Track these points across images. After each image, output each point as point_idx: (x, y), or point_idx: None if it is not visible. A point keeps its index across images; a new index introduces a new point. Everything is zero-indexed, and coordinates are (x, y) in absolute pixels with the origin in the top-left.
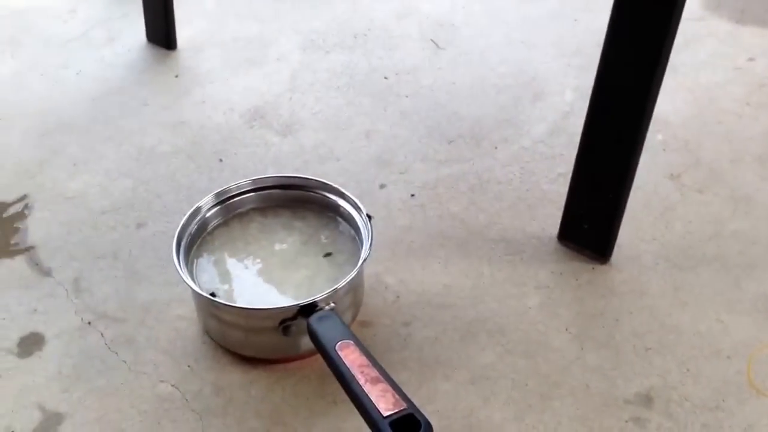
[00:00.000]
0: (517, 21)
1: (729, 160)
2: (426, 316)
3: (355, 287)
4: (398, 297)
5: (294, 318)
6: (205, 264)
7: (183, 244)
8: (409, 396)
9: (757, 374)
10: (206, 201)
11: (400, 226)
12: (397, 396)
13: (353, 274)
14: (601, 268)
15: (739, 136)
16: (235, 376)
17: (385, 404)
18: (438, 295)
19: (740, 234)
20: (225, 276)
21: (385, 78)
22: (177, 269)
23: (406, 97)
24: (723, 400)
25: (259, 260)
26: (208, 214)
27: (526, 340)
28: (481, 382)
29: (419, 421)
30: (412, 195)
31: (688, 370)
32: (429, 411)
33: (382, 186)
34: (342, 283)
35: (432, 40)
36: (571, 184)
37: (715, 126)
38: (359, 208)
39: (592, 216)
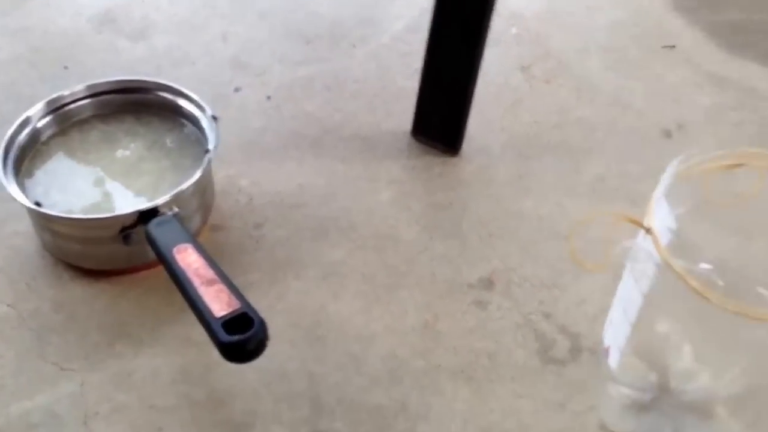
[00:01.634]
0: None
1: (576, 51)
2: (279, 216)
3: (202, 190)
4: (251, 199)
5: (134, 226)
6: (41, 176)
7: (11, 155)
8: (260, 297)
9: (579, 249)
10: (36, 110)
11: (254, 128)
12: (232, 296)
13: (196, 176)
14: (452, 161)
15: (587, 28)
16: (77, 290)
17: (219, 305)
18: (291, 195)
19: (583, 121)
20: (62, 187)
21: None
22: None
23: None
24: (559, 278)
25: (99, 168)
26: (39, 124)
27: (376, 234)
28: (331, 278)
29: (252, 319)
30: (268, 97)
31: (528, 252)
32: (279, 309)
33: (237, 89)
34: (183, 186)
35: None
36: (421, 79)
37: (565, 18)
38: (203, 108)
39: (442, 110)
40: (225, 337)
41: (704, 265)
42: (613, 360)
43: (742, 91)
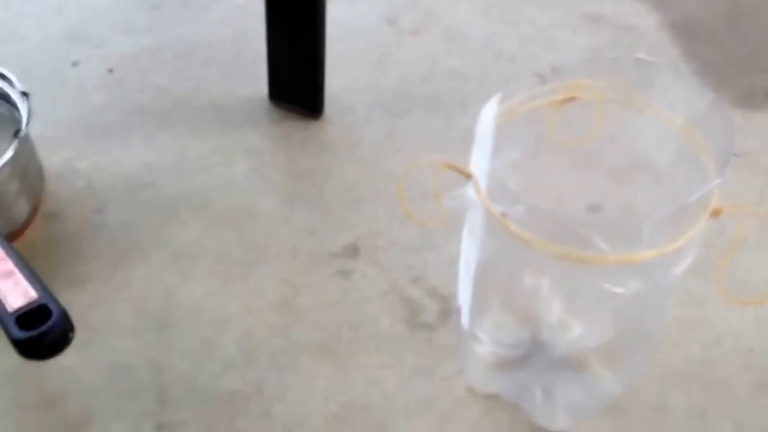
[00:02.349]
0: None
1: None
2: (123, 198)
3: (22, 174)
4: (91, 182)
5: None
6: None
7: None
8: (100, 286)
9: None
10: None
11: (95, 105)
12: (30, 288)
13: (5, 158)
14: (314, 124)
15: None
16: None
17: (15, 298)
18: (137, 175)
19: (454, 72)
20: None
21: None
22: None
23: None
24: (428, 239)
25: None
26: None
27: (232, 209)
28: (181, 260)
29: (51, 310)
30: (110, 70)
31: (396, 215)
32: (123, 298)
33: (74, 63)
34: None
35: None
36: (267, 37)
37: None
38: (13, 83)
39: (296, 71)
40: (17, 333)
41: (520, 208)
42: (465, 319)
43: (618, 30)
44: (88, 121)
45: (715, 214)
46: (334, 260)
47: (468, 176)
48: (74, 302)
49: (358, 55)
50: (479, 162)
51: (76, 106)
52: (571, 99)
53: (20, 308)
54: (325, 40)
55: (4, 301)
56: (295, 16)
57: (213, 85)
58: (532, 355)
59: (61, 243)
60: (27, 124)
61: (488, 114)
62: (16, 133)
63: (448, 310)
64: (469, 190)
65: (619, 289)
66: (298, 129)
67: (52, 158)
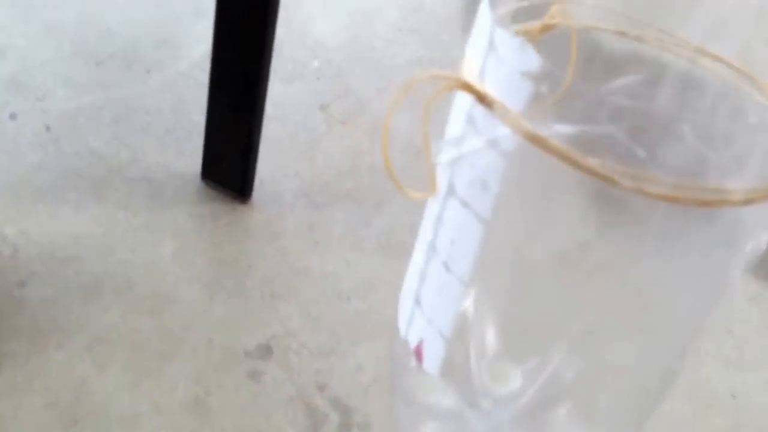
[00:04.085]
0: None
1: (376, 89)
2: (47, 272)
3: None
4: (16, 251)
5: None
6: None
7: None
8: (16, 371)
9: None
10: None
11: (29, 164)
12: None
13: None
14: (241, 209)
15: (388, 64)
16: None
17: None
18: (64, 247)
19: (375, 167)
20: None
21: None
22: None
23: (54, 7)
24: (338, 344)
25: None
26: None
27: (154, 294)
28: (99, 347)
29: None
30: (48, 127)
31: (309, 315)
32: (36, 387)
33: (12, 116)
34: None
35: None
36: (207, 116)
37: (368, 52)
38: None
39: (229, 154)
40: None
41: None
42: (433, 361)
43: None
44: (20, 181)
45: None
46: (247, 359)
47: (483, 98)
48: None
49: (289, 139)
50: (492, 72)
51: (9, 164)
52: (548, 27)
53: None
54: (262, 124)
55: None
56: (237, 95)
57: (148, 155)
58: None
59: None
60: None
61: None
62: None
63: (348, 424)
64: (479, 123)
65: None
66: (225, 212)
67: None
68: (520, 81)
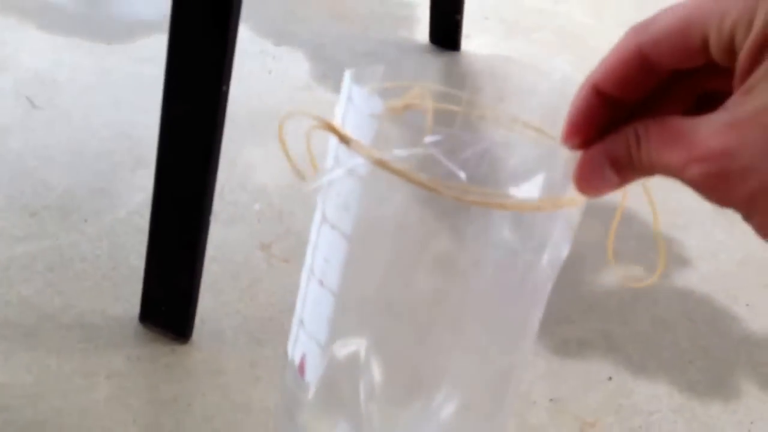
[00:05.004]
0: (128, 81)
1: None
2: None
3: None
4: None
5: None
6: None
7: None
8: None
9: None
10: None
11: None
12: None
13: None
14: (181, 349)
15: None
16: None
17: None
18: None
19: None
20: None
21: None
22: None
23: None
24: None
25: None
26: None
27: None
28: None
29: None
30: None
31: None
32: None
33: None
34: None
35: (27, 98)
36: (145, 265)
37: (307, 195)
38: None
39: (169, 296)
40: None
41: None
42: (313, 371)
43: None
44: None
45: None
46: None
47: (343, 139)
48: None
49: (229, 278)
50: (351, 121)
51: None
52: (409, 106)
53: None
54: (203, 267)
55: None
56: (177, 240)
57: (83, 302)
58: None
59: None
60: None
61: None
62: None
63: None
64: (342, 155)
65: None
66: (164, 353)
67: None
68: (369, 121)
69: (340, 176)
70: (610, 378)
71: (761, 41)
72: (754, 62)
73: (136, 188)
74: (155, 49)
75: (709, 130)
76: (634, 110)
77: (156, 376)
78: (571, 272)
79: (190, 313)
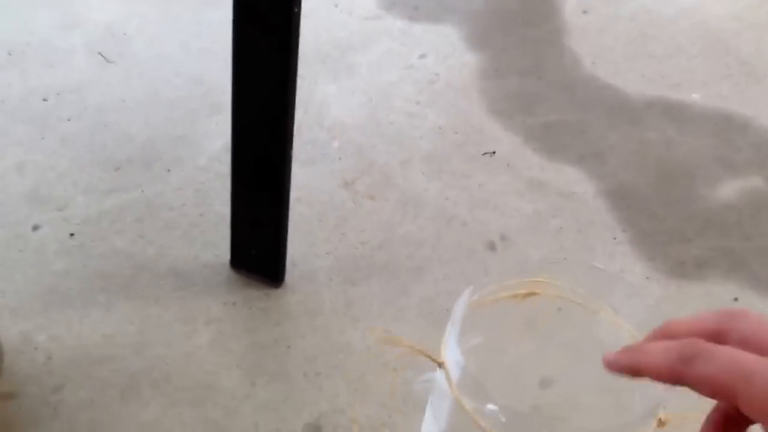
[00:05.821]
0: (195, 27)
1: (399, 162)
2: (82, 375)
3: None
4: (50, 357)
5: None
6: None
7: None
8: None
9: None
10: None
11: (55, 272)
12: None
13: None
14: (275, 293)
15: (409, 136)
16: None
17: None
18: (97, 348)
19: (409, 237)
20: None
21: (44, 100)
22: None
23: (68, 120)
24: (389, 416)
25: None
26: None
27: (194, 385)
28: None
29: None
30: (72, 234)
31: (356, 389)
32: None
33: (35, 227)
34: None
35: (100, 53)
36: (231, 208)
37: (387, 127)
38: None
39: (258, 240)
40: None
41: (491, 406)
42: None
43: (560, 196)
44: (47, 289)
45: (662, 425)
46: None
47: (440, 364)
48: None
49: (316, 219)
50: (452, 352)
51: (36, 274)
52: (531, 294)
53: None
54: (289, 207)
55: None
56: (260, 183)
57: (174, 250)
58: None
59: (17, 426)
60: None
61: (462, 305)
62: None
63: None
64: (439, 378)
65: None
66: (258, 297)
67: (10, 331)
68: (456, 360)
69: (436, 392)
70: (736, 299)
71: None
72: None
73: (214, 134)
74: None
75: None
76: None
77: (254, 321)
78: (681, 189)
79: (281, 257)
